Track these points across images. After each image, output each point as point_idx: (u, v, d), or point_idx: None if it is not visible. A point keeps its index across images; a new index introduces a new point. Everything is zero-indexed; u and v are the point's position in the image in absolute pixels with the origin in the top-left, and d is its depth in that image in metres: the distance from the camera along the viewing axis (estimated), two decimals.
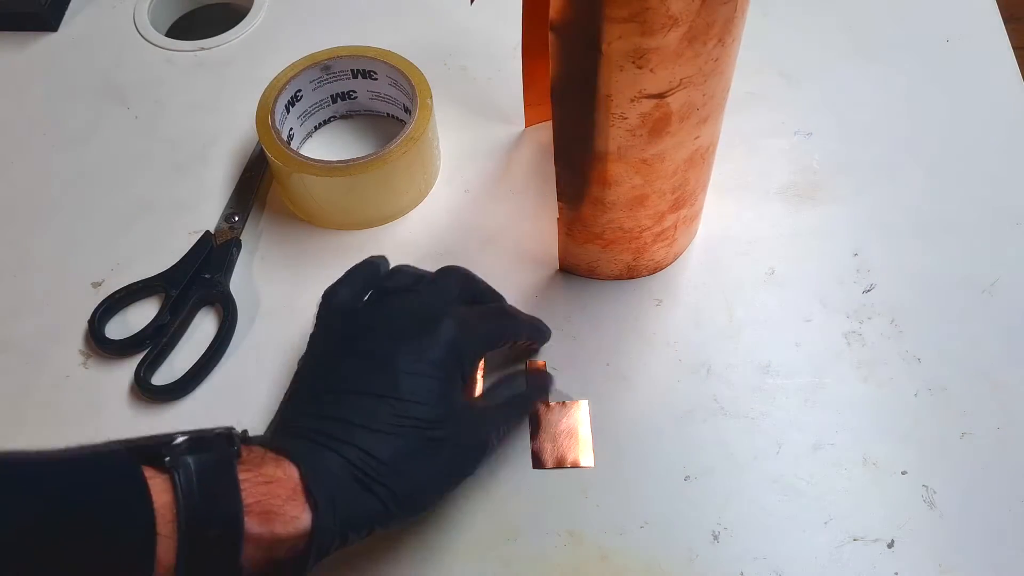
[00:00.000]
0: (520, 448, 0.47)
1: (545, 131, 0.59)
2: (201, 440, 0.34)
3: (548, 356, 0.49)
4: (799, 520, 0.44)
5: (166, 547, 0.31)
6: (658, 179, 0.44)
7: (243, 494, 0.33)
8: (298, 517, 0.34)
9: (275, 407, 0.48)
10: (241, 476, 0.34)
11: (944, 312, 0.50)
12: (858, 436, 0.46)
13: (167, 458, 0.32)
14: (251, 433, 0.38)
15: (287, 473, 0.35)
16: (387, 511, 0.37)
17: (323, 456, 0.36)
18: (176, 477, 0.32)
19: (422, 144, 0.53)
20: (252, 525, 0.33)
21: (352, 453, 0.36)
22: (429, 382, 0.39)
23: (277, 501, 0.34)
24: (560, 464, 0.46)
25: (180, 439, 0.34)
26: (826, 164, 0.57)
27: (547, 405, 0.47)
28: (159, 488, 0.32)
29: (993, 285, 0.51)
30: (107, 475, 0.32)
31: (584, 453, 0.46)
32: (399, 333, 0.40)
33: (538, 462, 0.46)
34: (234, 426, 0.36)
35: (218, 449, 0.34)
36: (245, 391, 0.49)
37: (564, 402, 0.47)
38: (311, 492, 0.35)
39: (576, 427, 0.47)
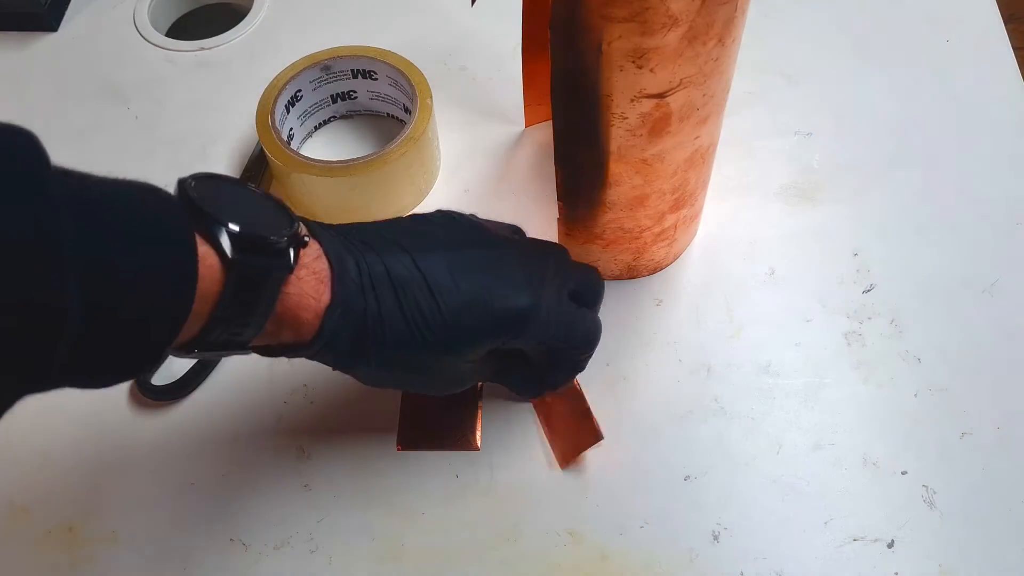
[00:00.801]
0: (519, 449, 0.47)
1: (545, 131, 0.59)
2: (272, 245, 0.33)
3: None
4: (799, 520, 0.44)
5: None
6: (658, 179, 0.44)
7: (281, 296, 0.33)
8: (320, 307, 0.35)
9: (276, 407, 0.48)
10: (287, 282, 0.33)
11: (944, 312, 0.50)
12: (858, 436, 0.46)
13: (232, 256, 0.31)
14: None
15: (322, 267, 0.35)
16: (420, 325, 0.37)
17: (369, 257, 0.37)
18: (230, 281, 0.31)
19: (422, 144, 0.53)
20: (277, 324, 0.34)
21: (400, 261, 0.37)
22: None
23: (308, 289, 0.34)
24: (580, 449, 0.45)
25: (257, 235, 0.32)
26: (826, 164, 0.57)
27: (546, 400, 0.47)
28: (214, 279, 0.31)
29: (993, 285, 0.51)
30: (158, 247, 0.30)
31: (593, 429, 0.46)
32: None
33: (565, 462, 0.46)
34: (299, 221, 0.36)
35: (280, 261, 0.33)
36: (245, 391, 0.49)
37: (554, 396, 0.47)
38: (335, 271, 0.35)
39: (575, 410, 0.47)
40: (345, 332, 0.36)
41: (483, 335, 0.38)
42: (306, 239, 0.35)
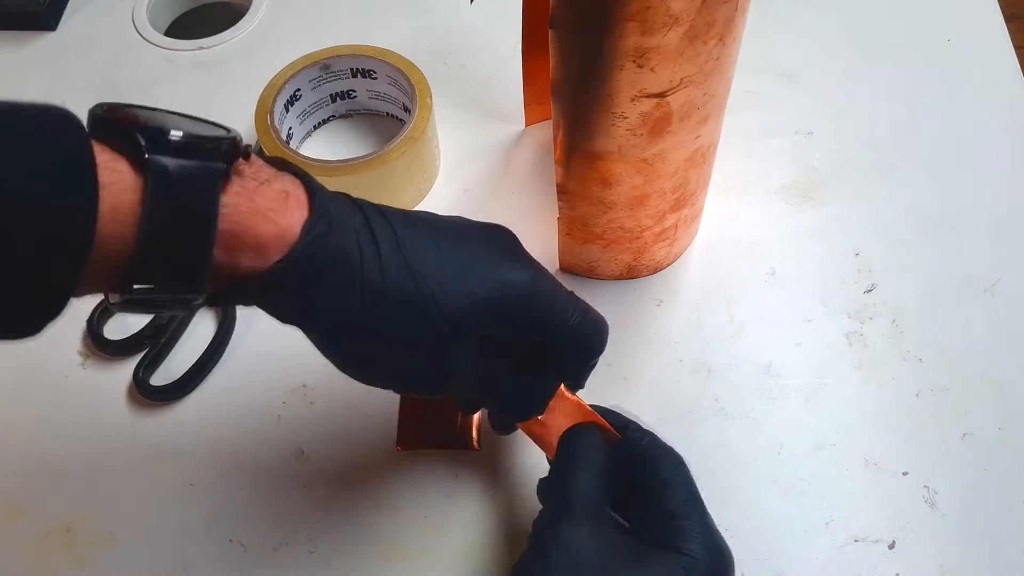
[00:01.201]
0: (519, 449, 0.46)
1: (545, 130, 0.59)
2: (197, 145, 0.29)
3: None
4: (800, 521, 0.44)
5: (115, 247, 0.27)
6: (659, 179, 0.44)
7: (224, 210, 0.29)
8: (287, 223, 0.30)
9: (275, 408, 0.48)
10: (228, 192, 0.29)
11: (946, 312, 0.50)
12: (859, 436, 0.46)
13: (147, 156, 0.27)
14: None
15: (287, 186, 0.31)
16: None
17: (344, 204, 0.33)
18: (148, 183, 0.27)
19: (422, 144, 0.53)
20: (225, 240, 0.29)
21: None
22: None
23: (263, 203, 0.30)
24: None
25: (176, 136, 0.28)
26: (827, 164, 0.57)
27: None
28: (126, 186, 0.26)
29: (995, 285, 0.51)
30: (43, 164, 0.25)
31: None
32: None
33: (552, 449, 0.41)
34: (243, 139, 0.32)
35: (212, 158, 0.29)
36: (244, 391, 0.49)
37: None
38: (312, 200, 0.31)
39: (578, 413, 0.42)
40: (320, 259, 0.31)
41: (485, 303, 0.34)
42: (249, 150, 0.32)
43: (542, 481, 0.39)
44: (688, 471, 0.38)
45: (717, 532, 0.36)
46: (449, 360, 0.35)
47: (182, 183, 0.27)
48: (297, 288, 0.31)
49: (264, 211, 0.30)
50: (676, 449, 0.39)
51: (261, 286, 0.30)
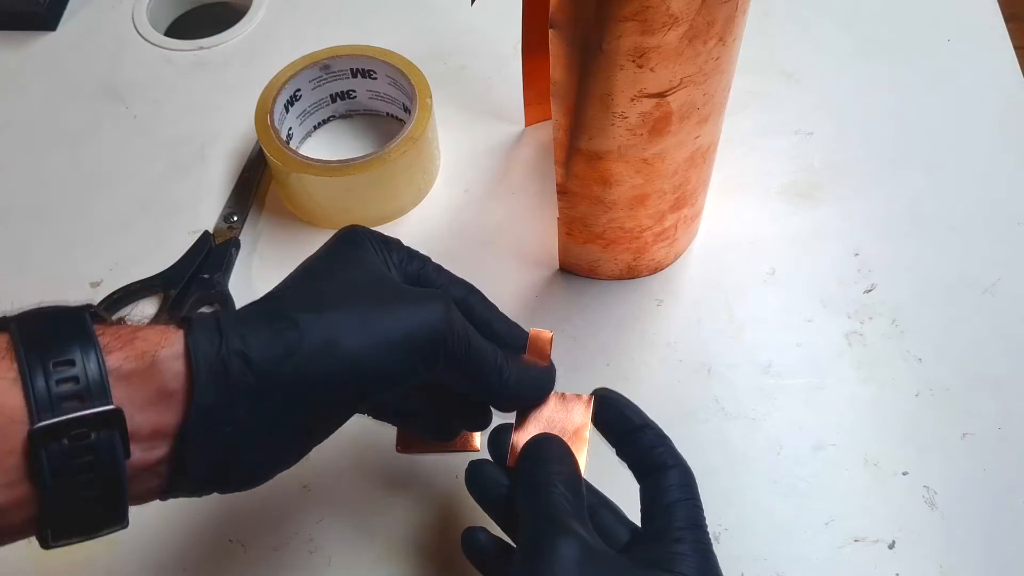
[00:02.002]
0: None
1: (545, 130, 0.59)
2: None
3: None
4: (800, 521, 0.44)
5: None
6: (659, 179, 0.44)
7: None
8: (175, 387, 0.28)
9: None
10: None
11: (945, 312, 0.50)
12: (859, 437, 0.46)
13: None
14: None
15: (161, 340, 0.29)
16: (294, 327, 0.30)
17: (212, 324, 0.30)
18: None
19: (422, 144, 0.53)
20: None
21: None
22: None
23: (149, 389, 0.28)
24: None
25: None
26: (827, 164, 0.57)
27: None
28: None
29: (994, 285, 0.51)
30: None
31: (582, 459, 0.38)
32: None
33: (515, 457, 0.38)
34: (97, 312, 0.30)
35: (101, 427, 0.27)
36: None
37: (563, 394, 0.40)
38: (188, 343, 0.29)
39: (577, 428, 0.39)
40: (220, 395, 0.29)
41: (393, 363, 0.32)
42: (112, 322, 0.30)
43: (487, 488, 0.38)
44: (696, 488, 0.36)
45: (714, 556, 0.35)
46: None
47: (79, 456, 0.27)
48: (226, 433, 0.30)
49: (148, 339, 0.29)
50: (677, 449, 0.37)
51: (183, 444, 0.29)
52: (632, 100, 0.39)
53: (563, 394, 0.39)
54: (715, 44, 0.38)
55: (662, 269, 0.52)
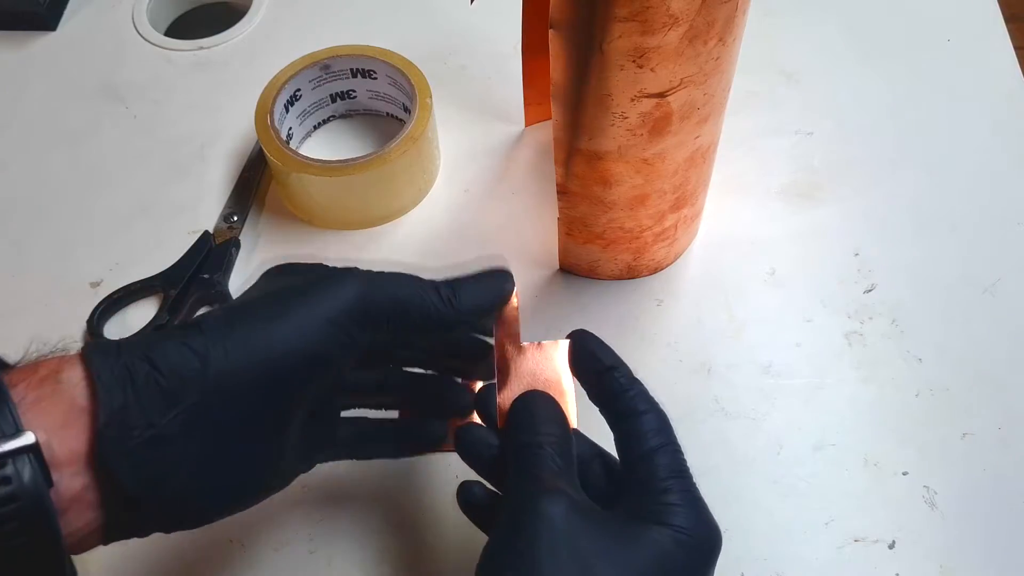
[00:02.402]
0: None
1: (545, 130, 0.59)
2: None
3: None
4: (800, 521, 0.44)
5: None
6: (659, 179, 0.44)
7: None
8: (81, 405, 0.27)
9: None
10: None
11: (945, 312, 0.50)
12: (859, 436, 0.46)
13: None
14: None
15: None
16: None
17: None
18: None
19: (422, 144, 0.53)
20: None
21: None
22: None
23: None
24: None
25: None
26: (827, 163, 0.57)
27: (518, 347, 0.38)
28: None
29: (994, 285, 0.51)
30: None
31: (569, 408, 0.37)
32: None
33: (504, 419, 0.37)
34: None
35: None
36: None
37: (540, 343, 0.38)
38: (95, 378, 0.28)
39: (559, 375, 0.38)
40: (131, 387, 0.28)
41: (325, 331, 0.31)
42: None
43: (482, 452, 0.36)
44: (673, 432, 0.35)
45: (703, 503, 0.34)
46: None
47: None
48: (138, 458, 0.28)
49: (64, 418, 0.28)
50: (649, 393, 0.36)
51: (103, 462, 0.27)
52: (632, 100, 0.39)
53: (540, 343, 0.38)
54: (715, 44, 0.38)
55: (662, 269, 0.52)
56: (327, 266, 0.36)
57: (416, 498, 0.45)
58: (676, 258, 0.53)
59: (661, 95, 0.39)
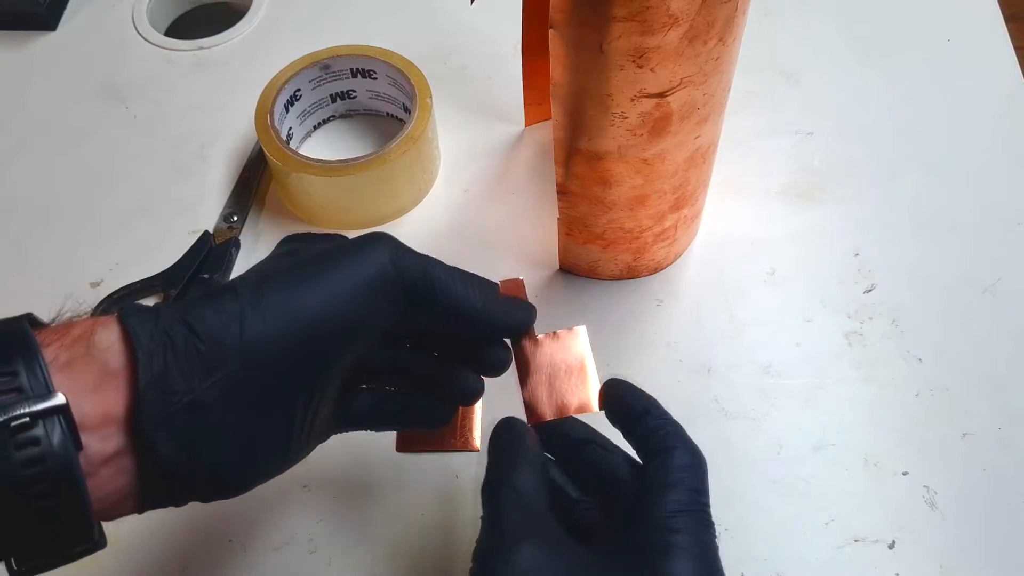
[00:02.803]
0: None
1: (545, 130, 0.59)
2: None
3: None
4: (800, 521, 0.44)
5: None
6: (659, 179, 0.44)
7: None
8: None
9: None
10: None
11: (945, 312, 0.50)
12: (859, 437, 0.46)
13: None
14: None
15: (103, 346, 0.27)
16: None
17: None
18: None
19: (422, 144, 0.53)
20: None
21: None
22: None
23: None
24: (562, 412, 0.37)
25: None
26: (827, 164, 0.57)
27: (534, 340, 0.38)
28: None
29: (994, 285, 0.51)
30: None
31: (592, 392, 0.37)
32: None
33: (533, 414, 0.38)
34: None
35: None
36: None
37: (555, 332, 0.38)
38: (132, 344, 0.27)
39: (579, 361, 0.38)
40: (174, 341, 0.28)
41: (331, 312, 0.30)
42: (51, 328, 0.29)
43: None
44: (703, 477, 0.33)
45: (714, 553, 0.31)
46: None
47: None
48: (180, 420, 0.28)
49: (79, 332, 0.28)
50: (686, 433, 0.34)
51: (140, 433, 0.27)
52: (632, 100, 0.39)
53: (555, 333, 0.38)
54: (715, 44, 0.38)
55: (662, 269, 0.52)
56: (347, 237, 0.35)
57: (416, 498, 0.45)
58: (676, 258, 0.53)
59: (661, 95, 0.39)
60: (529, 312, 0.37)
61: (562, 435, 0.37)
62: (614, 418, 0.36)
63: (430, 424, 0.38)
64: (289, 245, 0.35)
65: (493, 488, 0.33)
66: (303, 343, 0.29)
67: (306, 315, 0.29)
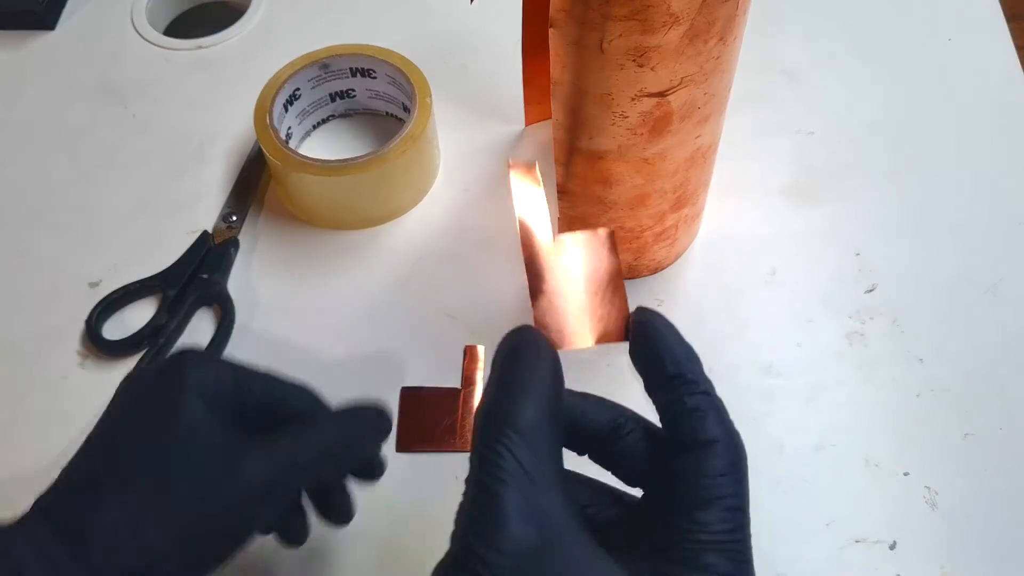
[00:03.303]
0: None
1: (545, 130, 0.59)
2: None
3: None
4: (801, 522, 0.44)
5: None
6: (659, 178, 0.44)
7: None
8: None
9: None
10: None
11: (946, 312, 0.50)
12: (860, 437, 0.46)
13: None
14: None
15: None
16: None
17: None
18: None
19: (421, 143, 0.53)
20: None
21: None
22: None
23: None
24: (580, 341, 0.29)
25: None
26: (828, 163, 0.57)
27: (552, 241, 0.31)
28: None
29: (996, 285, 0.51)
30: None
31: (621, 316, 0.30)
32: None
33: (564, 341, 0.29)
34: None
35: None
36: None
37: (578, 232, 0.30)
38: None
39: (610, 271, 0.30)
40: None
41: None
42: None
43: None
44: (744, 483, 0.27)
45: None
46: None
47: None
48: None
49: None
50: (723, 408, 0.30)
51: None
52: (632, 99, 0.39)
53: (577, 232, 0.30)
54: (716, 43, 0.38)
55: (662, 269, 0.52)
56: (238, 387, 0.34)
57: (416, 499, 0.45)
58: (676, 258, 0.53)
59: (661, 94, 0.39)
60: (373, 420, 0.36)
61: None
62: (637, 365, 0.29)
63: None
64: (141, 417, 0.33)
65: (493, 424, 0.26)
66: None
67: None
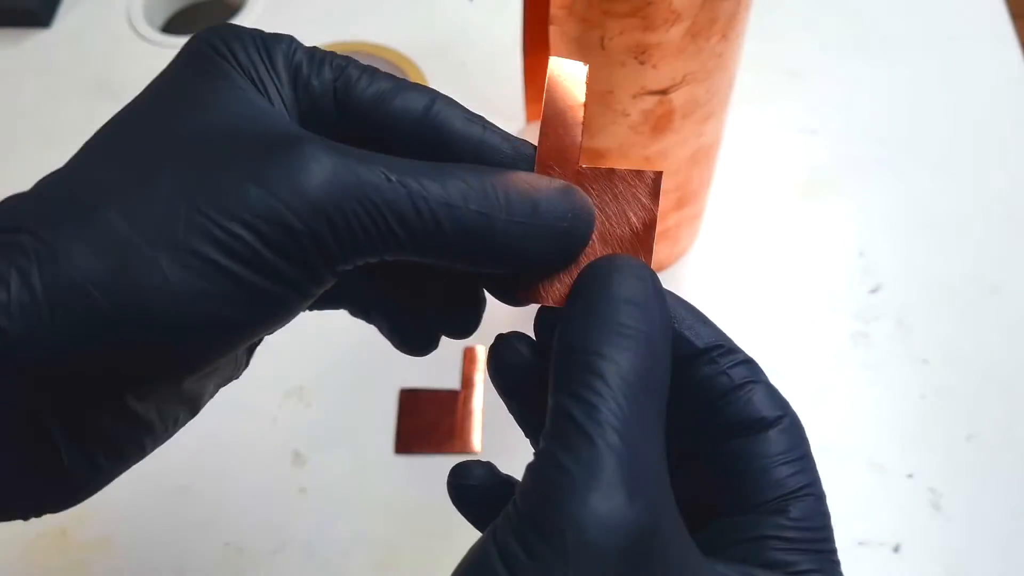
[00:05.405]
0: (519, 452, 0.46)
1: None
2: None
3: None
4: None
5: None
6: None
7: None
8: None
9: (271, 410, 0.48)
10: None
11: (951, 313, 0.50)
12: (864, 439, 0.46)
13: None
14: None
15: None
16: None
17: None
18: None
19: None
20: None
21: None
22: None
23: None
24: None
25: None
26: (831, 162, 0.56)
27: (587, 171, 0.26)
28: None
29: (1001, 285, 0.50)
30: None
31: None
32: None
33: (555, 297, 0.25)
34: None
35: None
36: (239, 393, 0.48)
37: (616, 170, 0.25)
38: None
39: (647, 222, 0.25)
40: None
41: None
42: None
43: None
44: (809, 453, 0.22)
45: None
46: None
47: None
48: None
49: None
50: (771, 383, 0.24)
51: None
52: (634, 97, 0.38)
53: (615, 170, 0.24)
54: (718, 40, 0.37)
55: (664, 269, 0.52)
56: (313, 63, 0.23)
57: (415, 501, 0.45)
58: (678, 258, 0.52)
59: (663, 92, 0.38)
60: (579, 209, 0.23)
61: (679, 337, 0.22)
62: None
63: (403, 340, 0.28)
64: (189, 79, 0.23)
65: (567, 371, 0.20)
66: (106, 358, 0.20)
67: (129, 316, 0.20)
